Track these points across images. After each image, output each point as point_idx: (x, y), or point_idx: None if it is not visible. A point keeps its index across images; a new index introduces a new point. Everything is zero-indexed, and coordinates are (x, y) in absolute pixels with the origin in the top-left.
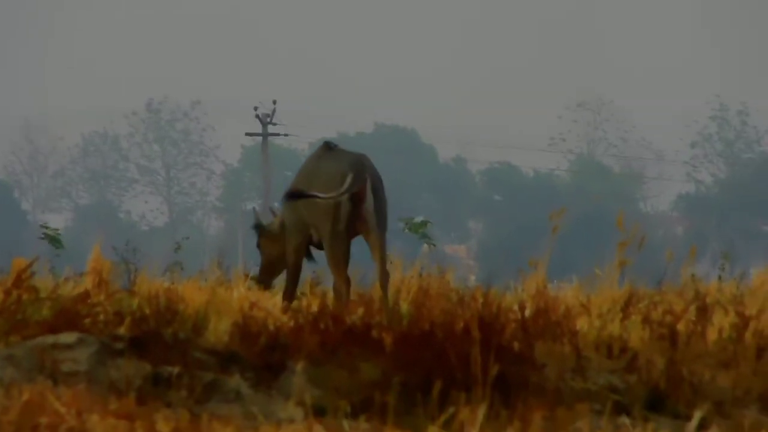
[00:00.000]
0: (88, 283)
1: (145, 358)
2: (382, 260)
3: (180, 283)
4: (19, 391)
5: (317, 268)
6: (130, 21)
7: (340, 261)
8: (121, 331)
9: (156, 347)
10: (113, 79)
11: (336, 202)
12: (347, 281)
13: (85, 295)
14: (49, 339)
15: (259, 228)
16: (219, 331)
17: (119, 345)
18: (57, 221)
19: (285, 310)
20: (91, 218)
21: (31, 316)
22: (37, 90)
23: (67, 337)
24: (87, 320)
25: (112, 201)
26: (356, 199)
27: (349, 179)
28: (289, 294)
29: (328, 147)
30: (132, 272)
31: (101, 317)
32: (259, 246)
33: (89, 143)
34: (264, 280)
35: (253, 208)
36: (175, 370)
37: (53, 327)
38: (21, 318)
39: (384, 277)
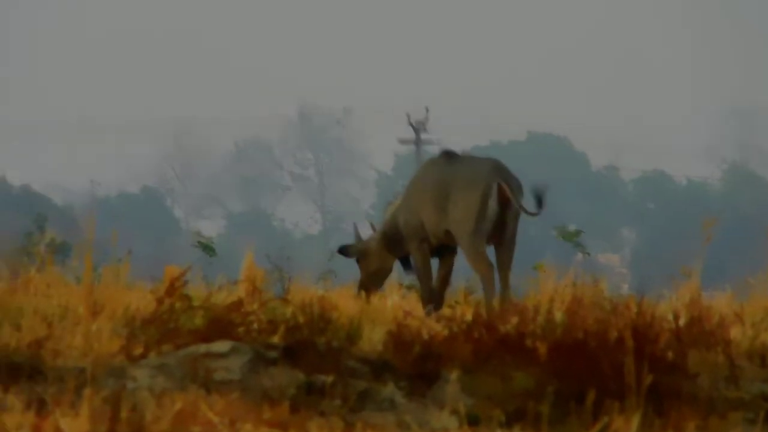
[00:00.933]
0: (241, 291)
1: (299, 366)
2: (507, 275)
3: (333, 292)
4: (171, 400)
5: (470, 277)
6: (282, 26)
7: (484, 257)
8: (275, 339)
9: (309, 356)
10: (266, 85)
11: (483, 201)
12: (491, 277)
13: (239, 304)
14: (202, 348)
15: (345, 249)
16: (372, 339)
17: (272, 354)
18: (209, 229)
19: (428, 314)
20: (244, 226)
21: (183, 324)
22: (189, 96)
23: (220, 346)
24: (240, 329)
25: (265, 208)
26: (503, 203)
27: (495, 183)
28: (427, 299)
29: (450, 155)
30: (285, 280)
31: (254, 326)
32: (358, 261)
33: (242, 150)
34: (366, 294)
35: (354, 224)
36: (329, 378)
37: (206, 336)
38: (173, 326)
39: (506, 293)
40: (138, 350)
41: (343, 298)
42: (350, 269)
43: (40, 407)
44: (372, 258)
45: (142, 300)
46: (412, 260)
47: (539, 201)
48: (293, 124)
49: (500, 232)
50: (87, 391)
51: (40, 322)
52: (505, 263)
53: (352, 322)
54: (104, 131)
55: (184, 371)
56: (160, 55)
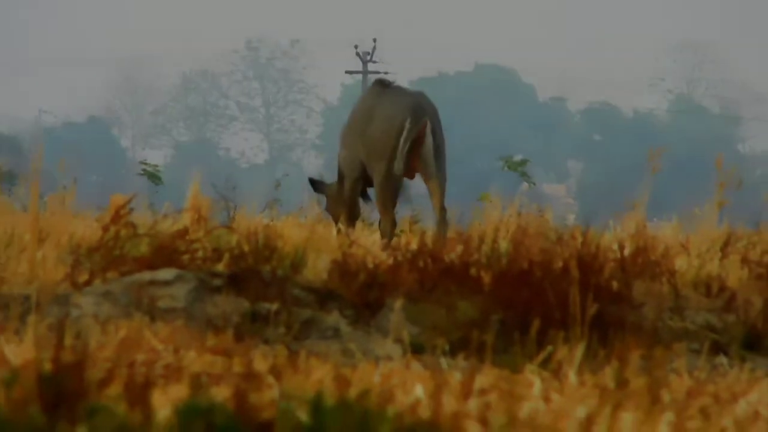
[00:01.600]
0: (186, 219)
1: (243, 294)
2: (442, 207)
3: (279, 221)
4: (116, 327)
5: (417, 207)
6: None
7: (388, 202)
8: (220, 267)
9: (254, 284)
10: (213, 17)
11: (393, 143)
12: (393, 222)
13: (184, 232)
14: (147, 275)
15: (320, 186)
16: (317, 268)
17: (217, 282)
18: (156, 158)
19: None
20: (191, 155)
21: (128, 252)
22: (137, 29)
23: (165, 274)
24: (185, 257)
25: (211, 138)
26: (415, 141)
27: (408, 123)
28: (347, 229)
29: (384, 85)
30: (231, 209)
31: (199, 254)
32: (327, 209)
33: (189, 81)
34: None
35: (309, 179)
36: (273, 306)
37: (151, 263)
38: (119, 254)
39: (442, 225)
40: (83, 278)
41: (288, 227)
42: (296, 198)
43: None
44: (337, 200)
45: (87, 228)
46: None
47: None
48: (241, 55)
49: (423, 167)
50: (31, 318)
51: None
52: (435, 197)
53: (297, 251)
54: (52, 63)
55: (129, 299)
56: None
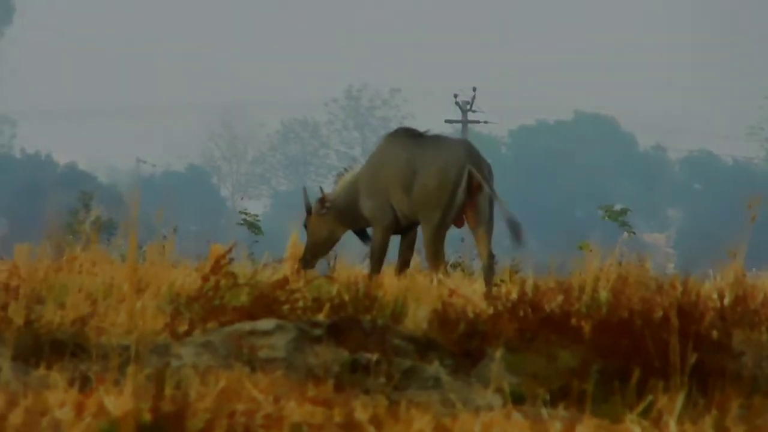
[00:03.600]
0: (286, 269)
1: (344, 344)
2: (490, 254)
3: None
4: (216, 377)
5: (516, 256)
6: (330, 10)
7: (440, 251)
8: (320, 317)
9: (354, 334)
10: (313, 66)
11: (450, 191)
12: (445, 271)
13: (284, 281)
14: (247, 325)
15: (310, 209)
16: (417, 318)
17: (317, 331)
18: (256, 207)
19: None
20: (290, 204)
21: (228, 302)
22: (237, 77)
23: (265, 324)
24: (285, 306)
25: (311, 188)
26: (472, 189)
27: (466, 171)
28: (375, 274)
29: (413, 133)
30: (331, 259)
31: (299, 303)
32: (305, 226)
33: (289, 130)
34: (308, 261)
35: (303, 189)
36: (374, 356)
37: (251, 313)
38: (218, 304)
39: (490, 271)
40: (182, 328)
41: (388, 277)
42: (394, 249)
43: (84, 384)
44: (322, 226)
45: (187, 278)
46: (371, 237)
47: (516, 233)
48: (340, 104)
49: (476, 214)
50: (131, 369)
51: (84, 299)
52: (484, 244)
53: (397, 300)
54: (150, 112)
55: (229, 349)
56: (206, 37)
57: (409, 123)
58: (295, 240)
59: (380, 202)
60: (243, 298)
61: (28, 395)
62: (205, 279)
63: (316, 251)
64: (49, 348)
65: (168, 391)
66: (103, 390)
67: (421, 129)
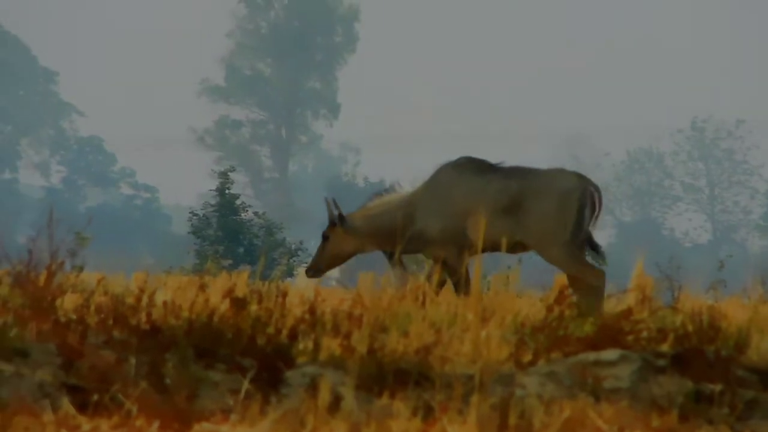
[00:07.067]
0: (631, 299)
1: (687, 375)
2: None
3: (722, 301)
4: (560, 407)
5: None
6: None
7: (584, 260)
8: (664, 348)
9: (698, 364)
10: (659, 96)
11: (575, 214)
12: (603, 280)
13: (629, 312)
14: (591, 356)
15: (342, 219)
16: (761, 349)
17: (661, 362)
18: (600, 238)
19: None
20: (634, 235)
21: (572, 332)
22: (584, 105)
23: (609, 354)
24: (629, 337)
25: (655, 218)
26: (591, 210)
27: (589, 193)
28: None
29: (485, 163)
30: (675, 289)
31: (644, 334)
32: (326, 237)
33: (634, 160)
34: (320, 270)
35: (332, 199)
36: (717, 387)
37: (595, 343)
38: (563, 334)
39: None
40: (527, 357)
41: (732, 308)
42: (739, 279)
43: (427, 413)
44: (349, 241)
45: (531, 307)
46: (449, 264)
47: (595, 247)
48: (686, 134)
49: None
50: (475, 398)
51: (428, 328)
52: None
53: (741, 331)
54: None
55: (573, 379)
56: (553, 67)
57: (753, 155)
58: (641, 271)
59: (451, 225)
60: (587, 328)
61: (371, 424)
62: (550, 309)
63: (332, 263)
64: (392, 377)
65: (512, 420)
66: (447, 419)
67: (761, 161)
